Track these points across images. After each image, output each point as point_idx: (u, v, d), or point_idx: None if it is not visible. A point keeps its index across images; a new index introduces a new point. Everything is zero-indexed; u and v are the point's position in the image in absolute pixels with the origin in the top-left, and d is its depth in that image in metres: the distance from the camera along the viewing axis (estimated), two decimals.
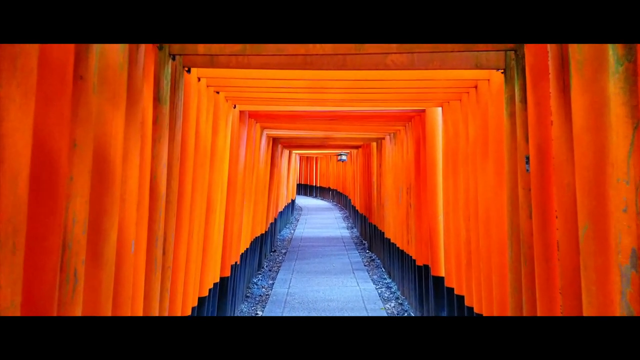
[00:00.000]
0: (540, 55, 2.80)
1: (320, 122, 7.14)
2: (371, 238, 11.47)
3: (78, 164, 2.12)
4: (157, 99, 3.09)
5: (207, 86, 4.09)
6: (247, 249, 7.12)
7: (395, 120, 6.82)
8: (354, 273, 9.10)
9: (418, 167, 6.19)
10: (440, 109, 5.48)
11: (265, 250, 10.18)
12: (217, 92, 4.42)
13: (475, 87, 4.01)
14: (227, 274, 5.40)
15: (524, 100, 3.06)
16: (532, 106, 2.87)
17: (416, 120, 6.21)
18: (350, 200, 18.05)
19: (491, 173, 3.71)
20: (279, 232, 14.15)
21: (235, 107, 5.42)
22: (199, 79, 3.85)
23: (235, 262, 5.98)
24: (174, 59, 3.26)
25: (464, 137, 4.41)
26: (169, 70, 3.20)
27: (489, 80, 3.76)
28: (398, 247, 7.66)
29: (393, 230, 8.22)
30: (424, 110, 5.77)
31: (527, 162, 3.06)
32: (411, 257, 6.61)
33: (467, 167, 4.31)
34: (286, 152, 15.63)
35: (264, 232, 9.55)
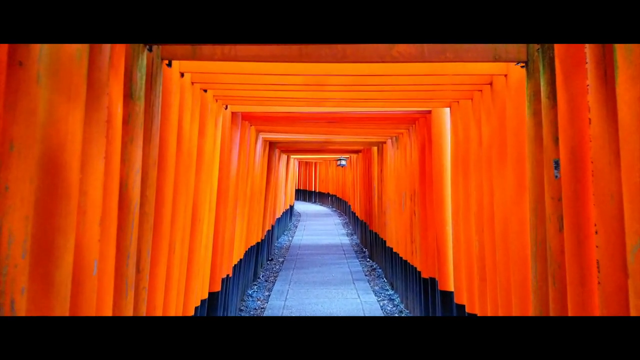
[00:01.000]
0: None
1: (319, 124, 6.73)
2: (372, 246, 11.05)
3: (16, 170, 1.71)
4: (129, 95, 2.69)
5: (192, 83, 3.68)
6: (240, 259, 6.69)
7: (398, 123, 6.42)
8: (354, 284, 8.68)
9: (423, 173, 5.78)
10: (448, 109, 5.08)
11: (261, 259, 9.76)
12: (205, 90, 4.01)
13: (490, 83, 3.61)
14: (217, 288, 4.98)
15: (551, 96, 2.65)
16: (563, 102, 2.47)
17: (421, 122, 5.81)
18: (350, 206, 17.64)
19: (510, 180, 3.30)
20: (277, 240, 13.73)
21: (226, 108, 5.02)
22: (182, 75, 3.45)
23: (227, 275, 5.56)
24: (150, 49, 2.86)
25: (476, 139, 4.00)
26: (144, 62, 2.79)
27: (506, 75, 3.35)
28: (401, 257, 7.24)
29: (395, 238, 7.80)
30: (429, 112, 5.37)
31: (557, 167, 2.65)
32: (416, 268, 6.19)
33: (480, 173, 3.90)
34: (284, 157, 15.23)
35: (260, 240, 9.13)
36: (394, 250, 7.84)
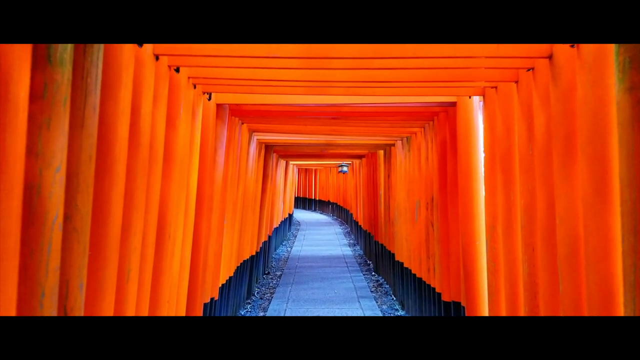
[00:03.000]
0: None
1: (320, 122, 5.86)
2: (377, 258, 10.15)
3: None
4: (45, 57, 1.82)
5: (156, 55, 2.81)
6: (230, 277, 5.80)
7: (413, 119, 5.55)
8: (359, 302, 7.77)
9: (444, 178, 4.91)
10: (477, 99, 4.23)
11: (256, 273, 8.86)
12: (176, 70, 3.14)
13: (550, 56, 2.74)
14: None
15: None
16: None
17: (441, 117, 4.94)
18: (352, 214, 16.76)
19: (583, 183, 2.42)
20: (274, 251, 12.83)
21: (210, 98, 4.15)
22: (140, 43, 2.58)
23: (212, 299, 4.67)
24: None
25: (524, 133, 3.13)
26: None
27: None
28: (414, 275, 6.34)
29: (407, 252, 6.91)
30: (453, 104, 4.50)
31: None
32: (434, 289, 5.30)
33: (532, 176, 3.03)
34: (282, 162, 14.37)
35: (254, 253, 8.24)
36: (405, 265, 6.94)
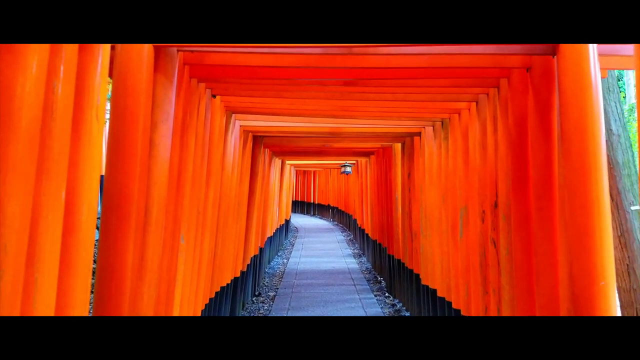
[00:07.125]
0: None
1: (327, 93, 4.10)
2: (392, 275, 8.37)
3: None
4: None
5: None
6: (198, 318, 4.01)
7: (465, 85, 3.78)
8: None
9: (523, 172, 3.14)
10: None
11: (243, 297, 7.07)
12: None
13: None
14: None
15: None
16: None
17: (516, 79, 3.18)
18: (355, 220, 14.99)
19: None
20: (268, 264, 11.04)
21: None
22: None
23: None
24: None
25: None
26: None
27: None
28: (458, 310, 4.56)
29: (441, 276, 5.13)
30: (550, 53, 2.74)
31: None
32: None
33: None
34: (278, 162, 12.61)
35: (239, 274, 6.46)
36: (440, 294, 5.16)
